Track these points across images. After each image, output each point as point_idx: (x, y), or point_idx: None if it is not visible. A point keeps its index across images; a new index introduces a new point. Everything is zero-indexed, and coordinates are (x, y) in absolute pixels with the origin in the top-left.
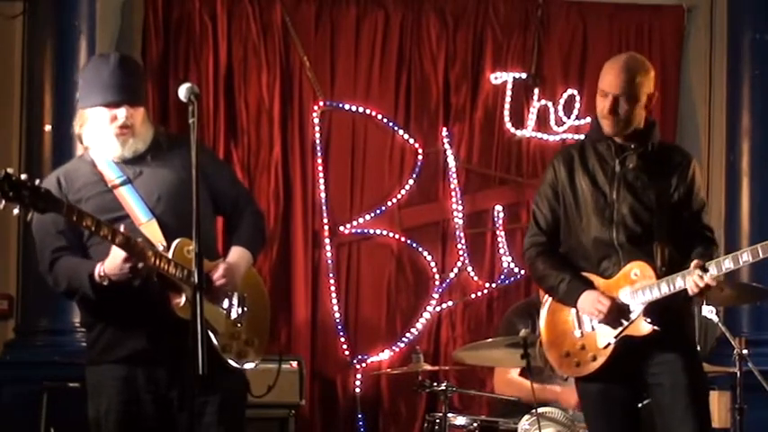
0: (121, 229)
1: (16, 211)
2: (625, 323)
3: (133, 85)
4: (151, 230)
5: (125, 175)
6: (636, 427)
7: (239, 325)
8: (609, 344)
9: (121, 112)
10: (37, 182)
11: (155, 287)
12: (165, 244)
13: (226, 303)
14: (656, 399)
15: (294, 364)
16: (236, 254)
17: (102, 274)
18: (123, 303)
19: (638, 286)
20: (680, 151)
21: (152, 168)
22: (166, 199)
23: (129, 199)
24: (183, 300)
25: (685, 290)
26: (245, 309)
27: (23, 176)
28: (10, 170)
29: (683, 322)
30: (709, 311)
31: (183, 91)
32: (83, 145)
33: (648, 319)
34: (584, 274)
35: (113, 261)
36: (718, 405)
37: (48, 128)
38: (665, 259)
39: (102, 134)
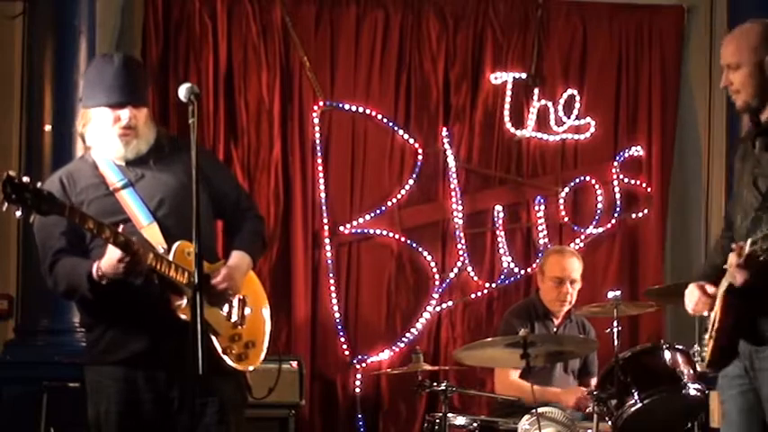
0: (120, 230)
1: (18, 213)
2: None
3: (137, 85)
4: (152, 233)
5: (126, 177)
6: None
7: (239, 327)
8: None
9: (125, 113)
10: (39, 184)
11: (155, 289)
12: (165, 246)
13: (226, 306)
14: None
15: (294, 364)
16: (237, 258)
17: (99, 273)
18: (124, 305)
19: None
20: None
21: (154, 171)
22: (168, 202)
23: (131, 202)
24: (183, 302)
25: None
26: (246, 312)
27: (26, 179)
28: (12, 173)
29: None
30: None
31: (182, 91)
32: (85, 144)
33: None
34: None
35: (110, 259)
36: (719, 405)
37: (48, 128)
38: None
39: (106, 135)
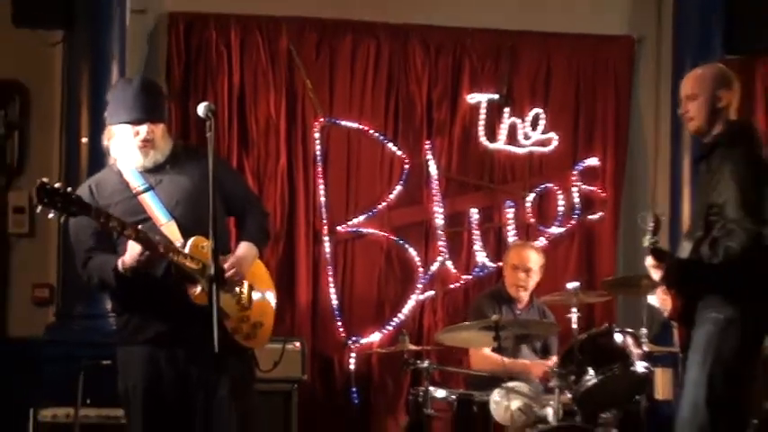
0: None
1: (51, 215)
2: None
3: (153, 104)
4: (170, 230)
5: (147, 182)
6: None
7: (247, 310)
8: None
9: (143, 129)
10: (69, 189)
11: (174, 279)
12: (182, 241)
13: (235, 291)
14: None
15: (297, 344)
16: (244, 248)
17: (123, 266)
18: (148, 294)
19: None
20: None
21: (171, 176)
22: (183, 203)
23: (151, 203)
24: (198, 289)
25: None
26: (253, 296)
27: (57, 185)
28: (45, 179)
29: None
30: (653, 300)
31: (201, 109)
32: (110, 155)
33: None
34: None
35: (131, 254)
36: (662, 380)
37: (84, 140)
38: None
39: (127, 147)
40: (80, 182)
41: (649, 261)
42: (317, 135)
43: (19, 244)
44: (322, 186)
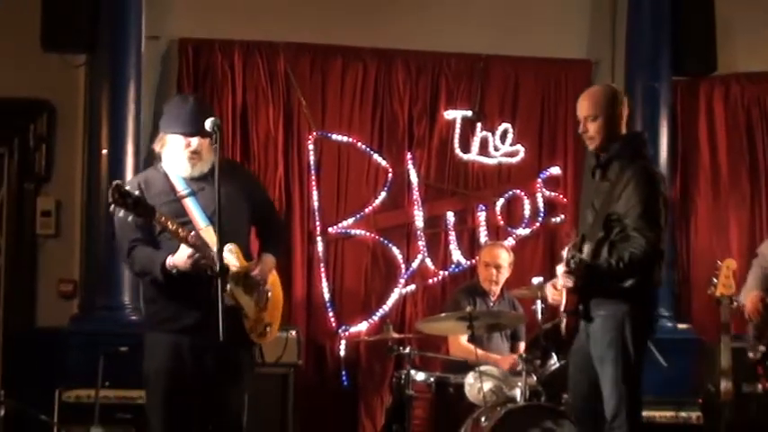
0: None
1: (121, 213)
2: None
3: (203, 121)
4: (208, 235)
5: (190, 188)
6: None
7: (263, 313)
8: None
9: (194, 141)
10: (137, 193)
11: (207, 278)
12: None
13: (255, 295)
14: None
15: (294, 332)
16: (266, 257)
17: (171, 264)
18: (185, 288)
19: None
20: None
21: (211, 186)
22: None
23: (193, 208)
24: (228, 288)
25: None
26: (268, 300)
27: (128, 187)
28: (119, 182)
29: None
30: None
31: (208, 123)
32: (160, 162)
33: None
34: None
35: (180, 256)
36: None
37: (104, 152)
38: None
39: (178, 156)
40: (101, 188)
41: (561, 269)
42: (310, 147)
43: (46, 244)
44: (315, 193)
